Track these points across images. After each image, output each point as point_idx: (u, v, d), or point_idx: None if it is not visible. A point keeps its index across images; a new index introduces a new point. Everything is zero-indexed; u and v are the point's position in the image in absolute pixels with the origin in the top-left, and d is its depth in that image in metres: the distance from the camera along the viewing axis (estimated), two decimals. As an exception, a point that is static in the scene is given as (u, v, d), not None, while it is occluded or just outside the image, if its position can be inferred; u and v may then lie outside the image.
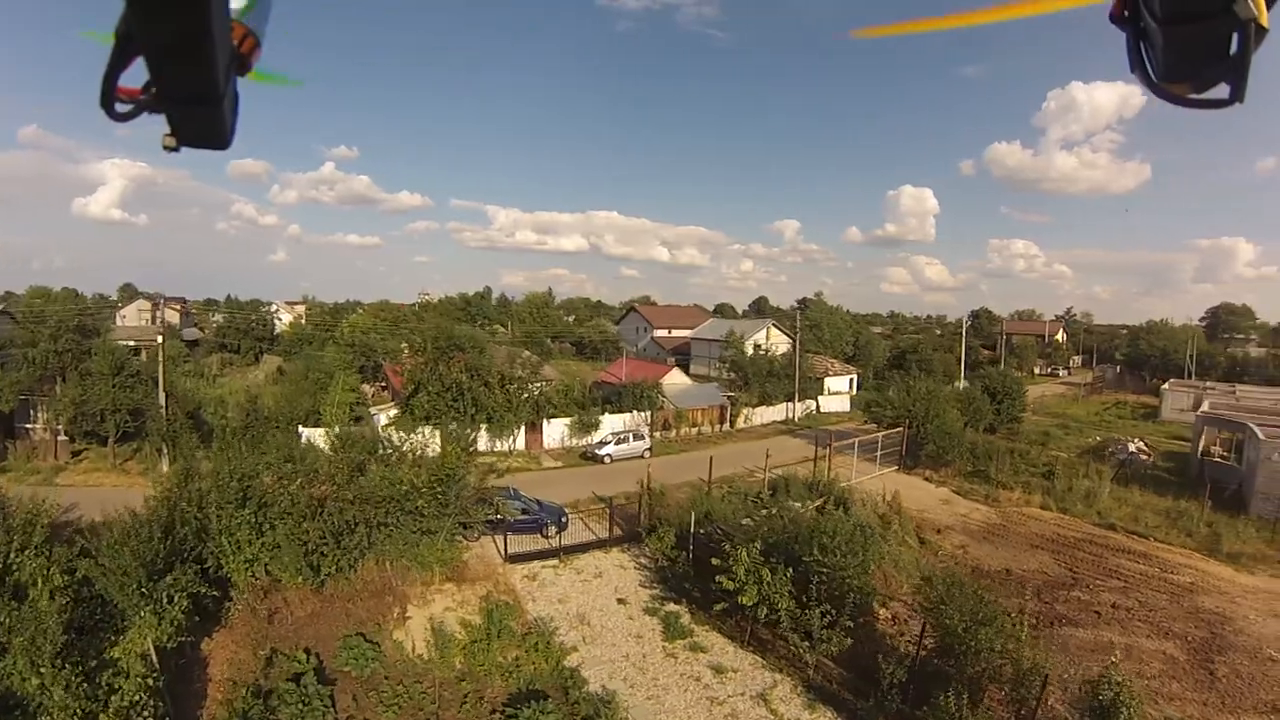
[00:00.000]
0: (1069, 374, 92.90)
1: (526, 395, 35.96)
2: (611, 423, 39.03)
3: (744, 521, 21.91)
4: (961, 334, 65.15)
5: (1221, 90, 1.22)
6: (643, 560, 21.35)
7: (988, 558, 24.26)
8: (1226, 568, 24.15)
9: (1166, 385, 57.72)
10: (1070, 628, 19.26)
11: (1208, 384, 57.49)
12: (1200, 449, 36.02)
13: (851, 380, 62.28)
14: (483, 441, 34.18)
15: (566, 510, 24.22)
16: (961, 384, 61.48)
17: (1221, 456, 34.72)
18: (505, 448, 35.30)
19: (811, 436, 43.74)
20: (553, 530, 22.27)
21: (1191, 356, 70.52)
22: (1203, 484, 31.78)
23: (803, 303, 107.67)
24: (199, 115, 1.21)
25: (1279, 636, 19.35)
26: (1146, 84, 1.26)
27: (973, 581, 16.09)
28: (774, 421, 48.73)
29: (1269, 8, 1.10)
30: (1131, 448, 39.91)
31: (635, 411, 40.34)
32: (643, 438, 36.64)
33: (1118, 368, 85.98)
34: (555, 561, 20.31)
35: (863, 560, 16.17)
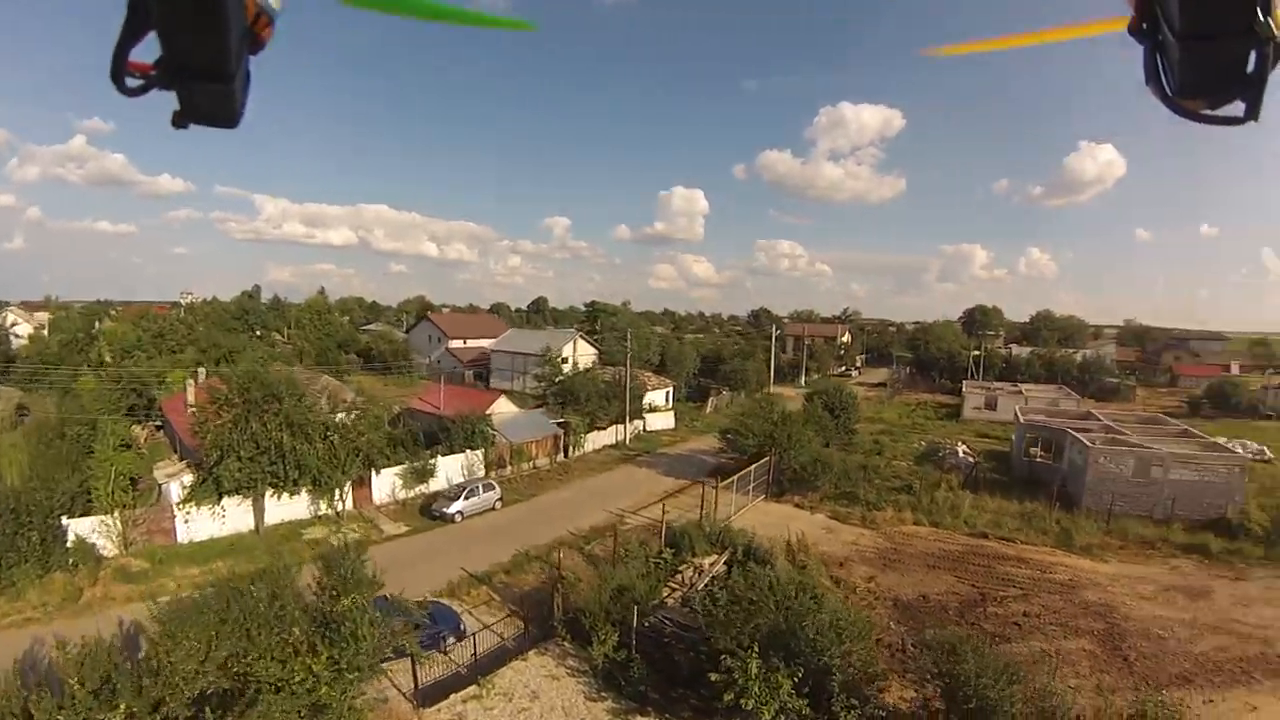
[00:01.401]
0: (859, 374, 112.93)
1: (356, 446, 33.99)
2: (447, 467, 39.94)
3: (677, 599, 22.70)
4: (771, 341, 74.02)
5: (1236, 107, 1.44)
6: (571, 662, 20.82)
7: (898, 586, 28.32)
8: (1085, 560, 31.83)
9: (965, 386, 71.49)
10: (1005, 644, 23.07)
11: (996, 384, 73.19)
12: (1023, 451, 45.31)
13: (668, 393, 67.16)
14: (303, 506, 33.51)
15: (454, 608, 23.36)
16: (770, 390, 73.04)
17: (1042, 458, 44.53)
18: (332, 510, 34.64)
19: (657, 464, 47.71)
20: (452, 641, 20.90)
21: (978, 360, 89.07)
22: (1029, 484, 41.20)
23: (593, 306, 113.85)
24: (210, 92, 1.41)
25: (1155, 616, 26.24)
26: (1161, 98, 1.48)
27: (981, 638, 19.12)
28: (606, 446, 52.23)
29: None
30: (960, 451, 48.83)
31: (469, 450, 41.71)
32: (492, 487, 37.56)
33: (907, 368, 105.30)
34: (474, 689, 18.79)
35: (870, 642, 18.36)
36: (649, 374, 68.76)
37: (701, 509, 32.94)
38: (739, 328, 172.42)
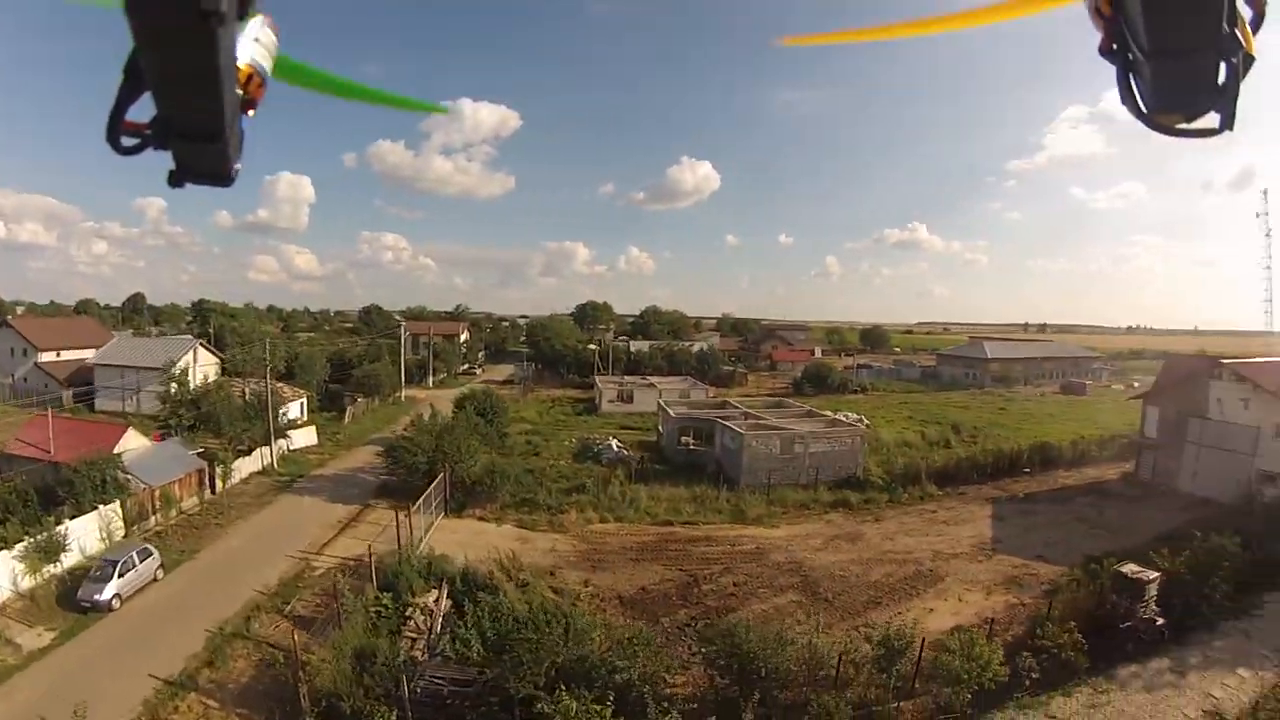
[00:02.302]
0: (482, 372, 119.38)
1: None
2: (79, 533, 33.47)
3: (421, 650, 22.75)
4: (400, 343, 74.96)
5: (1211, 119, 1.67)
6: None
7: (614, 584, 31.80)
8: (760, 529, 39.23)
9: (599, 381, 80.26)
10: (732, 613, 27.68)
11: (627, 378, 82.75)
12: (676, 440, 53.19)
13: (302, 404, 64.10)
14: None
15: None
16: (403, 394, 77.69)
17: (695, 445, 53.57)
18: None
19: (319, 489, 45.68)
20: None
21: (604, 354, 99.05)
22: (687, 469, 49.11)
23: (201, 305, 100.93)
24: (204, 152, 1.67)
25: (832, 562, 34.11)
26: (1137, 115, 1.71)
27: (743, 621, 23.37)
28: (254, 474, 48.54)
29: (1255, 35, 1.53)
30: (614, 445, 54.78)
31: (102, 506, 35.67)
32: (150, 552, 31.93)
33: (534, 364, 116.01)
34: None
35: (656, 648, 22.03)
36: (282, 385, 64.84)
37: (399, 537, 32.27)
38: (350, 324, 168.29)
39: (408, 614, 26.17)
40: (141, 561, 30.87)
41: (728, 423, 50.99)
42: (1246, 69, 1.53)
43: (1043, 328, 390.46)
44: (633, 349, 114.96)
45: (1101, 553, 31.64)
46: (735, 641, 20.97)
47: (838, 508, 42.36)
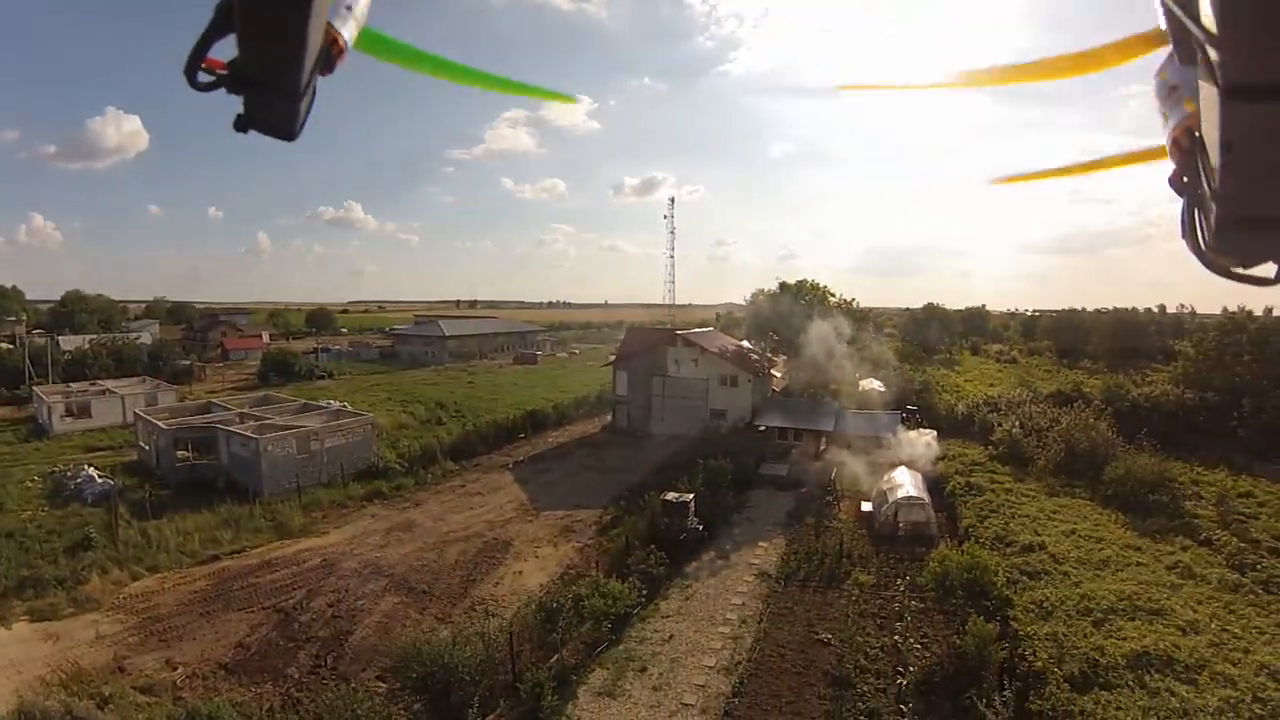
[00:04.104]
0: None
1: None
2: None
3: None
4: None
5: (1268, 268, 1.62)
6: None
7: (207, 652, 26.53)
8: (312, 539, 37.56)
9: (42, 394, 66.83)
10: (357, 635, 27.73)
11: (73, 385, 70.04)
12: (172, 458, 48.27)
13: None
14: None
15: None
16: None
17: (196, 458, 48.78)
18: None
19: None
20: None
21: (34, 358, 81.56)
22: (194, 488, 44.42)
23: None
24: (276, 104, 1.63)
25: (405, 555, 35.23)
26: (1195, 252, 1.65)
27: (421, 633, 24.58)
28: None
29: None
30: (95, 476, 47.12)
31: None
32: None
33: None
34: None
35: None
36: None
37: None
38: None
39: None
40: None
41: (231, 428, 47.35)
42: None
43: (473, 304, 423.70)
44: (65, 346, 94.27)
45: (623, 490, 40.35)
46: (424, 659, 21.94)
47: (373, 500, 43.30)
